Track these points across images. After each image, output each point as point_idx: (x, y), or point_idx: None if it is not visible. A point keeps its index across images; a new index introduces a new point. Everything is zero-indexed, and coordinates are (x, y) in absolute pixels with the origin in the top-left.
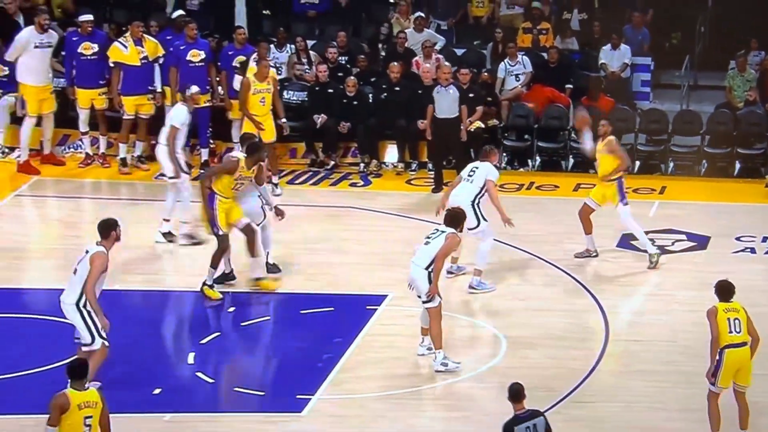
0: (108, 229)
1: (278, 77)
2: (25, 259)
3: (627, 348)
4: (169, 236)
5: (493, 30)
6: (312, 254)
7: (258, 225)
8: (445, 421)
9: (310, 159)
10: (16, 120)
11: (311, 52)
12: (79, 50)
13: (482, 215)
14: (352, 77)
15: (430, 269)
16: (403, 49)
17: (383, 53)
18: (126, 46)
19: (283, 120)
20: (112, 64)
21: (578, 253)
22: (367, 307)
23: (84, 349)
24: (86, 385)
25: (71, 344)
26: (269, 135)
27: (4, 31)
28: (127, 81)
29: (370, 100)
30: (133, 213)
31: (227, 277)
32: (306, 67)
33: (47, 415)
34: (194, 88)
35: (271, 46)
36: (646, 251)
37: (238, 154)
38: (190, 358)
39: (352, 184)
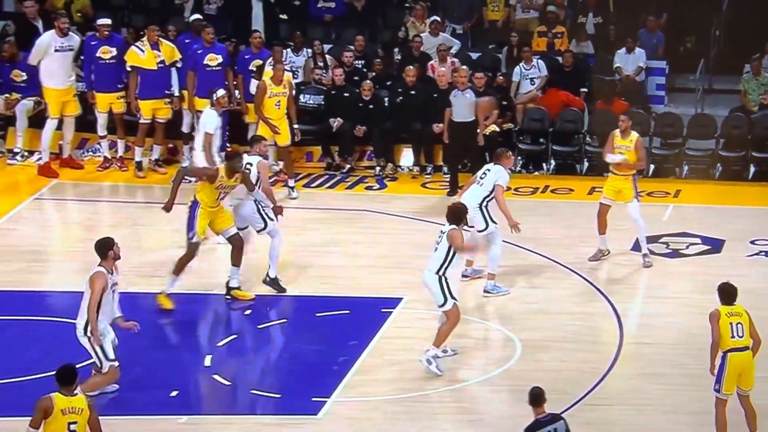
0: (105, 249)
1: (295, 81)
2: (44, 261)
3: (639, 351)
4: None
5: (508, 34)
6: (328, 257)
7: (259, 232)
8: (460, 424)
9: (326, 162)
10: (34, 124)
11: (327, 56)
12: (97, 54)
13: (491, 217)
14: (368, 81)
15: (440, 273)
16: (419, 53)
17: (399, 57)
18: (143, 51)
19: (296, 126)
20: (129, 69)
21: (591, 257)
22: (382, 310)
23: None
24: (74, 392)
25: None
26: (284, 138)
27: (24, 36)
28: (144, 85)
29: (386, 104)
30: (149, 216)
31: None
32: (323, 71)
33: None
34: (221, 92)
35: (288, 50)
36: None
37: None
38: (207, 361)
39: (368, 188)
